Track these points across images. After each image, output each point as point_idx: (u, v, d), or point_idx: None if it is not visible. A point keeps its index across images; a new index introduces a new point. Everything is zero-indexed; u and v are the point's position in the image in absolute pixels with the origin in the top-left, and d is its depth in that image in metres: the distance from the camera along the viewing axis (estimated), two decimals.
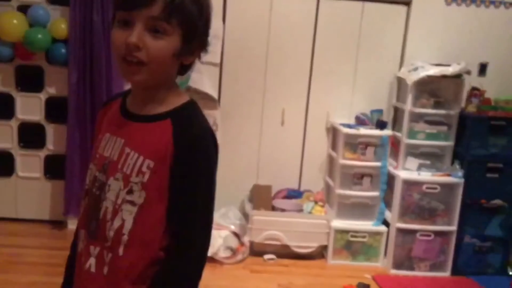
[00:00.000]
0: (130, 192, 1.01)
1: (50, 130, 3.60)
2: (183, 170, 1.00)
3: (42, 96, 3.56)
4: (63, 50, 3.38)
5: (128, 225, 1.01)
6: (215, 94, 3.53)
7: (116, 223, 1.02)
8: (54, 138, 3.60)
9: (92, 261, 1.05)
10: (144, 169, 1.00)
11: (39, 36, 3.29)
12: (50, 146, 3.62)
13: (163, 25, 0.97)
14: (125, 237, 1.01)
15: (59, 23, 3.36)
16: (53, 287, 2.79)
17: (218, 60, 3.50)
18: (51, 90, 3.55)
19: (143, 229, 1.01)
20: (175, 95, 1.06)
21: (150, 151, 1.01)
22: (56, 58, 3.41)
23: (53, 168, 3.62)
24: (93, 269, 1.05)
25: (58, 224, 3.62)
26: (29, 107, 3.55)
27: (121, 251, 1.02)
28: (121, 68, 1.00)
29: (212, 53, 3.49)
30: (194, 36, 1.02)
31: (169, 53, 0.99)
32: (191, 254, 1.02)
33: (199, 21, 1.02)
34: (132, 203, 1.01)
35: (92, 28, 3.30)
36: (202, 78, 3.50)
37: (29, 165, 3.62)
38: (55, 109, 3.56)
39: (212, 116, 3.58)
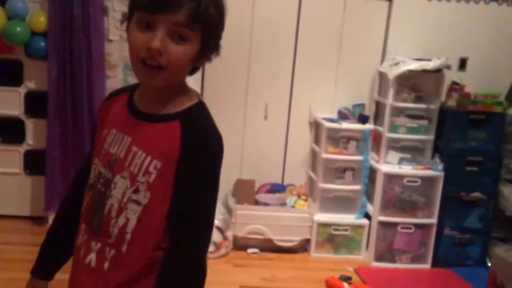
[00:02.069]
0: (136, 191, 1.01)
1: (30, 125, 3.55)
2: (189, 172, 1.00)
3: (21, 90, 3.49)
4: (43, 44, 3.32)
5: (132, 224, 1.02)
6: (197, 88, 3.51)
7: (121, 221, 1.02)
8: (34, 133, 3.55)
9: (92, 256, 1.05)
10: (151, 169, 1.00)
11: (18, 29, 3.23)
12: (30, 141, 3.56)
13: (186, 32, 0.96)
14: (128, 236, 1.02)
15: (38, 16, 3.30)
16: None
17: None
18: (30, 84, 3.49)
19: (146, 229, 1.02)
20: (184, 95, 1.06)
21: (158, 151, 1.00)
22: (36, 52, 3.35)
23: (33, 163, 3.57)
24: (93, 264, 1.05)
25: (38, 220, 3.58)
26: (8, 102, 3.48)
27: (124, 248, 1.02)
28: (138, 70, 0.99)
29: None
30: (212, 41, 1.02)
31: (188, 59, 0.99)
32: (190, 256, 1.02)
33: (219, 27, 1.02)
34: (137, 202, 1.01)
35: (72, 21, 3.25)
36: None
37: (8, 160, 3.56)
38: (35, 104, 3.50)
39: None
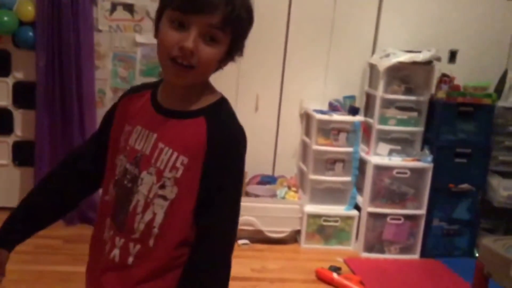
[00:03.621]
0: (162, 187, 1.03)
1: (18, 115, 3.51)
2: (215, 166, 1.02)
3: (9, 80, 3.45)
4: (31, 33, 3.28)
5: (159, 219, 1.03)
6: None
7: (147, 217, 1.04)
8: (23, 124, 3.52)
9: (116, 252, 1.07)
10: (178, 165, 1.02)
11: (5, 18, 3.19)
12: (18, 132, 3.53)
13: (218, 34, 0.98)
14: (156, 230, 1.03)
15: (26, 5, 3.25)
16: (23, 275, 2.77)
17: None
18: (18, 74, 3.45)
19: (173, 223, 1.03)
20: (209, 92, 1.08)
21: (185, 147, 1.02)
22: (23, 42, 3.31)
23: (22, 154, 3.54)
24: (117, 259, 1.07)
25: None
26: None
27: (151, 242, 1.04)
28: (168, 68, 1.00)
29: None
30: (240, 43, 1.05)
31: (217, 59, 1.02)
32: (217, 249, 1.03)
33: (248, 30, 1.05)
34: (164, 197, 1.03)
35: (60, 10, 3.21)
36: None
37: None
38: (23, 94, 3.46)
39: None
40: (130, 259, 1.05)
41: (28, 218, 1.20)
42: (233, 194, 1.05)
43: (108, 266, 1.08)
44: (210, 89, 1.09)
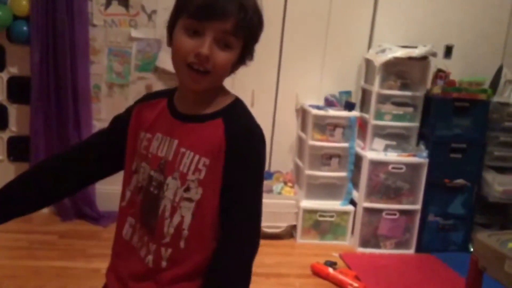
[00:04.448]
0: (187, 189, 1.06)
1: (13, 111, 3.49)
2: (235, 164, 1.04)
3: (4, 75, 3.43)
4: (25, 28, 3.25)
5: (188, 220, 1.06)
6: None
7: (176, 220, 1.07)
8: (17, 119, 3.50)
9: (150, 257, 1.10)
10: (200, 166, 1.05)
11: None
12: (13, 127, 3.51)
13: (231, 39, 1.02)
14: (185, 232, 1.07)
15: None
16: (18, 270, 2.76)
17: None
18: (13, 69, 3.43)
19: (201, 223, 1.06)
20: (223, 94, 1.12)
21: (205, 149, 1.05)
22: (18, 36, 3.29)
23: (17, 150, 3.52)
24: (151, 265, 1.10)
25: None
26: None
27: (182, 244, 1.07)
28: (184, 74, 1.04)
29: None
30: (252, 48, 1.09)
31: (231, 63, 1.06)
32: (241, 244, 1.05)
33: (259, 33, 1.09)
34: (189, 200, 1.06)
35: (55, 5, 3.19)
36: (170, 58, 3.44)
37: None
38: (18, 89, 3.44)
39: None
40: (164, 263, 1.08)
41: (25, 196, 1.19)
42: (254, 190, 1.08)
43: (142, 271, 1.11)
44: (224, 91, 1.13)
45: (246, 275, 1.04)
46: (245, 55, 1.08)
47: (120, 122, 1.21)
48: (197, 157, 1.05)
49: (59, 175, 1.19)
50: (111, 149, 1.20)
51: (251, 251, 1.05)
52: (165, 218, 1.08)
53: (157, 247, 1.09)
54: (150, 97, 1.20)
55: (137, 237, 1.14)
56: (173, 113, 1.12)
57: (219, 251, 1.05)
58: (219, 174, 1.04)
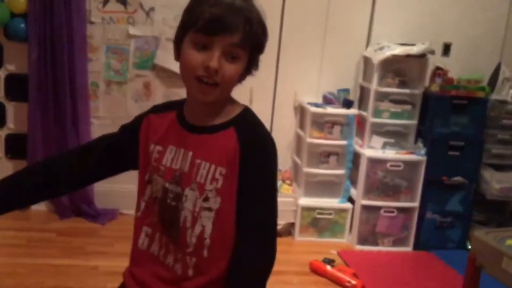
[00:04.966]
0: (206, 199, 1.09)
1: (11, 108, 3.48)
2: (250, 170, 1.08)
3: (1, 73, 3.42)
4: (23, 25, 3.25)
5: (208, 229, 1.09)
6: None
7: (197, 230, 1.10)
8: (15, 117, 3.49)
9: (178, 265, 1.13)
10: (217, 176, 1.08)
11: None
12: (11, 125, 3.50)
13: (238, 51, 1.05)
14: (207, 241, 1.10)
15: None
16: (16, 268, 2.76)
17: None
18: (10, 67, 3.42)
19: (222, 231, 1.09)
20: (232, 104, 1.16)
21: (220, 158, 1.08)
22: (15, 34, 3.28)
23: (15, 147, 3.52)
24: (179, 272, 1.13)
25: None
26: None
27: (205, 253, 1.10)
28: (194, 87, 1.07)
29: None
30: (257, 57, 1.13)
31: (238, 74, 1.09)
32: (257, 252, 1.08)
33: (265, 44, 1.12)
34: (209, 209, 1.09)
35: (52, 2, 3.18)
36: (168, 55, 3.44)
37: None
38: (15, 87, 3.43)
39: (179, 95, 3.53)
40: (190, 271, 1.12)
41: (23, 190, 1.21)
42: (269, 194, 1.11)
43: (169, 278, 1.14)
44: (232, 101, 1.16)
45: (263, 280, 1.09)
46: (251, 65, 1.12)
47: (129, 131, 1.23)
48: (213, 167, 1.08)
49: (61, 173, 1.21)
50: (116, 155, 1.23)
51: (268, 258, 1.09)
52: (186, 228, 1.11)
53: (182, 256, 1.12)
54: (159, 109, 1.22)
55: (157, 246, 1.17)
56: (184, 125, 1.14)
57: (236, 259, 1.07)
58: (235, 182, 1.08)
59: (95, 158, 1.22)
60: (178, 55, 1.10)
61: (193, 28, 1.03)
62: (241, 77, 1.13)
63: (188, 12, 1.07)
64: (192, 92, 1.09)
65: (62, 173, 1.21)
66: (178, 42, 1.09)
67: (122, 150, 1.22)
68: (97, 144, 1.26)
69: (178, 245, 1.12)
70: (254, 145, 1.09)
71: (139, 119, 1.22)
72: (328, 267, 3.00)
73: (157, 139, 1.17)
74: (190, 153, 1.11)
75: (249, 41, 1.05)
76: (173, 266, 1.14)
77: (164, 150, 1.15)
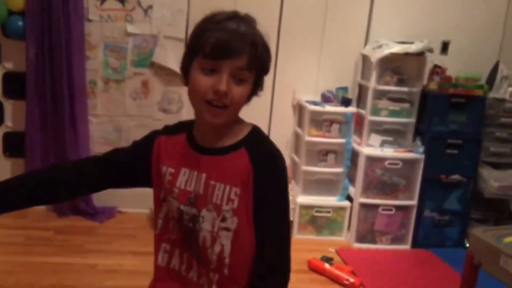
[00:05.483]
0: (223, 219, 1.12)
1: (8, 106, 3.48)
2: (264, 188, 1.11)
3: None
4: (20, 23, 3.24)
5: (227, 249, 1.13)
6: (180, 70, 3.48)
7: (217, 249, 1.13)
8: (13, 115, 3.48)
9: (202, 280, 1.16)
10: (232, 196, 1.11)
11: None
12: (9, 123, 3.50)
13: (245, 74, 1.09)
14: (227, 260, 1.13)
15: None
16: (14, 266, 2.75)
17: (182, 35, 3.44)
18: (8, 65, 3.42)
19: (241, 250, 1.13)
20: (240, 124, 1.19)
21: (234, 179, 1.11)
22: (13, 32, 3.27)
23: (12, 145, 3.51)
24: (205, 287, 1.17)
25: None
26: None
27: (226, 271, 1.14)
28: (204, 110, 1.09)
29: (177, 28, 3.43)
30: (263, 78, 1.17)
31: (246, 96, 1.13)
32: (276, 266, 1.13)
33: (269, 65, 1.17)
34: (227, 229, 1.12)
35: (50, 0, 3.17)
36: (166, 53, 3.44)
37: None
38: (13, 85, 3.42)
39: (177, 93, 3.53)
40: (214, 287, 1.15)
41: (26, 192, 1.20)
42: (283, 210, 1.14)
43: None
44: (240, 121, 1.19)
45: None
46: (257, 86, 1.16)
47: (141, 150, 1.24)
48: (228, 188, 1.11)
49: (68, 181, 1.22)
50: (127, 171, 1.24)
51: (283, 275, 1.13)
52: (207, 248, 1.14)
53: (206, 272, 1.15)
54: (169, 131, 1.23)
55: (177, 261, 1.20)
56: (195, 147, 1.17)
57: (254, 277, 1.12)
58: (250, 201, 1.11)
59: (110, 171, 1.24)
60: (186, 81, 1.13)
61: (201, 54, 1.07)
62: (248, 98, 1.16)
63: (194, 39, 1.10)
64: (203, 115, 1.11)
65: (72, 181, 1.22)
66: (185, 69, 1.13)
67: (133, 167, 1.24)
68: (110, 157, 1.27)
69: (201, 262, 1.15)
70: (266, 164, 1.12)
71: (150, 139, 1.23)
72: (327, 265, 3.00)
73: (169, 162, 1.19)
74: (204, 175, 1.14)
75: (255, 64, 1.09)
76: (198, 281, 1.17)
77: (177, 172, 1.18)
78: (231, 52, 1.05)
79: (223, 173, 1.12)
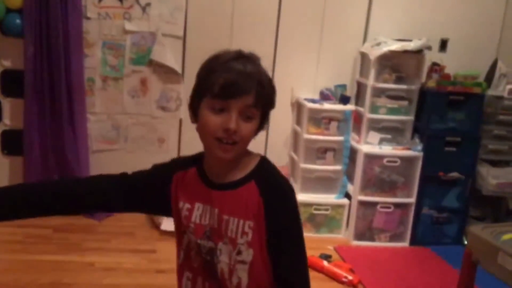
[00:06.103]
0: (239, 253, 1.16)
1: (6, 104, 3.46)
2: (276, 219, 1.14)
3: None
4: (18, 21, 3.23)
5: (245, 281, 1.16)
6: (178, 68, 3.48)
7: (234, 281, 1.17)
8: (11, 113, 3.47)
9: None
10: (246, 229, 1.15)
11: None
12: (7, 121, 3.49)
13: (253, 111, 1.13)
14: None
15: None
16: (12, 264, 2.75)
17: (181, 33, 3.44)
18: (6, 63, 3.40)
19: (258, 281, 1.17)
20: (249, 156, 1.21)
21: (246, 213, 1.15)
22: (11, 29, 3.26)
23: (11, 143, 3.50)
24: None
25: None
26: None
27: None
28: (214, 147, 1.13)
29: (175, 25, 3.43)
30: (269, 113, 1.20)
31: (254, 131, 1.16)
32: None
33: (274, 101, 1.20)
34: (243, 262, 1.16)
35: None
36: (164, 51, 3.43)
37: None
38: (11, 83, 3.41)
39: (176, 90, 3.53)
40: None
41: (25, 203, 1.27)
42: (297, 237, 1.18)
43: None
44: (249, 153, 1.22)
45: None
46: (264, 121, 1.19)
47: (160, 182, 1.26)
48: (241, 221, 1.15)
49: (85, 195, 1.26)
50: (144, 197, 1.26)
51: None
52: (225, 279, 1.17)
53: None
54: (182, 167, 1.25)
55: (201, 287, 1.23)
56: (206, 182, 1.20)
57: None
58: (263, 233, 1.14)
59: (130, 192, 1.26)
60: (195, 118, 1.17)
61: (209, 94, 1.10)
62: (255, 132, 1.19)
63: (202, 80, 1.14)
64: (213, 151, 1.14)
65: (83, 197, 1.26)
66: (193, 107, 1.16)
67: (153, 191, 1.26)
68: (129, 177, 1.29)
69: None
70: (276, 196, 1.16)
71: (168, 173, 1.25)
72: (325, 263, 3.01)
73: (185, 197, 1.22)
74: (216, 210, 1.17)
75: (262, 101, 1.13)
76: None
77: (192, 207, 1.21)
78: (239, 91, 1.09)
79: (235, 208, 1.16)
